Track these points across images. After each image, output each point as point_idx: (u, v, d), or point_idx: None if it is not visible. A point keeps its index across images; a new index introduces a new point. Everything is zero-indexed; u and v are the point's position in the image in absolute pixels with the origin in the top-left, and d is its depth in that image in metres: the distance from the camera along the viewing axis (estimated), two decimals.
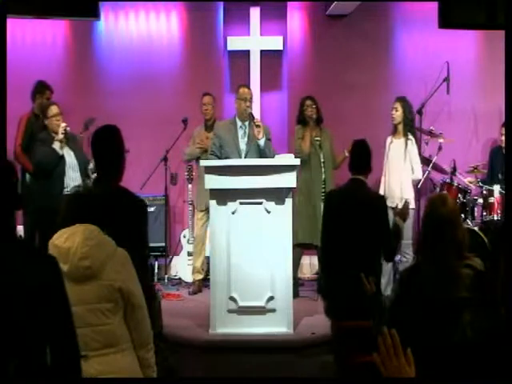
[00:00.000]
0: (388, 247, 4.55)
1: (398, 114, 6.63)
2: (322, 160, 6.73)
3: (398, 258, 6.46)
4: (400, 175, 6.52)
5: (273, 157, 5.88)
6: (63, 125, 6.08)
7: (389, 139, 6.72)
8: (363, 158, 4.66)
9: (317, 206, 6.63)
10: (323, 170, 6.72)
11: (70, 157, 6.12)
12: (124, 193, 3.56)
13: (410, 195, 6.37)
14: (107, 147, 3.54)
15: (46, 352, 2.16)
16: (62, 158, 6.07)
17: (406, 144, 6.56)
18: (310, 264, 7.67)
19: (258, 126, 5.92)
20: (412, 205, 6.43)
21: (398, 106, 6.64)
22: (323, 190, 6.66)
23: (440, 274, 2.91)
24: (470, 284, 2.80)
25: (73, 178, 6.10)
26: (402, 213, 4.62)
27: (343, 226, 4.49)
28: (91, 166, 6.10)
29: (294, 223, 6.46)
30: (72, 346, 2.22)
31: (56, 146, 6.06)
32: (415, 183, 6.72)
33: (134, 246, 3.33)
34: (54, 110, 6.14)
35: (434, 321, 2.77)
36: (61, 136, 6.06)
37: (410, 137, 6.62)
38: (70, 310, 2.23)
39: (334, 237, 4.55)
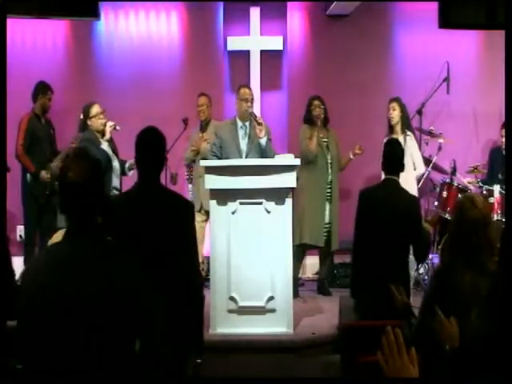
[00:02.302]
0: (421, 248, 4.57)
1: (396, 113, 6.64)
2: (330, 161, 6.69)
3: None
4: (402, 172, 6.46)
5: (273, 157, 5.88)
6: (111, 123, 5.81)
7: (385, 140, 6.67)
8: (395, 157, 4.64)
9: (323, 207, 6.63)
10: (330, 171, 6.69)
11: (114, 160, 5.84)
12: (172, 192, 3.58)
13: (414, 191, 6.33)
14: (155, 148, 3.58)
15: (133, 348, 2.20)
16: (110, 160, 5.74)
17: (405, 140, 6.55)
18: (311, 264, 7.66)
19: (259, 124, 5.90)
20: None
21: (396, 105, 6.65)
22: (329, 191, 6.67)
23: (479, 278, 2.92)
24: None
25: (114, 184, 5.78)
26: (432, 220, 4.66)
27: (377, 225, 4.50)
28: (128, 164, 5.84)
29: (299, 222, 6.51)
30: (160, 342, 2.26)
31: (104, 146, 5.74)
32: (419, 178, 6.72)
33: (187, 245, 3.34)
34: (96, 108, 5.86)
35: (470, 320, 2.77)
36: (109, 136, 5.78)
37: (409, 133, 6.64)
38: (160, 308, 2.28)
39: (367, 236, 4.56)
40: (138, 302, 2.18)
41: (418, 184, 6.76)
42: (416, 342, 1.91)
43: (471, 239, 3.00)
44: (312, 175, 6.62)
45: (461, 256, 3.03)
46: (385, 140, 4.98)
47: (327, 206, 6.66)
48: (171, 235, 3.27)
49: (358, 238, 4.69)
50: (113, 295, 2.13)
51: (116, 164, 5.84)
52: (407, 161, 6.50)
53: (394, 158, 4.65)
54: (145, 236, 3.19)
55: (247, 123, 6.16)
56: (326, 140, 6.74)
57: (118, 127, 5.84)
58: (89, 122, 5.82)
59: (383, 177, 4.82)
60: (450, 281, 3.01)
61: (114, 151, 5.92)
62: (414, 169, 6.67)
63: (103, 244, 2.25)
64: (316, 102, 6.77)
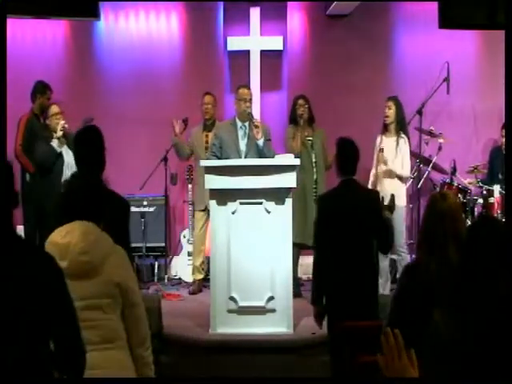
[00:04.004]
0: (384, 240, 4.53)
1: (391, 112, 6.53)
2: (314, 160, 6.66)
3: (393, 256, 6.46)
4: (391, 172, 6.44)
5: (272, 157, 5.88)
6: (62, 122, 6.28)
7: (379, 138, 6.61)
8: (350, 157, 4.46)
9: (308, 205, 6.57)
10: (315, 169, 6.66)
11: (68, 156, 6.16)
12: (109, 192, 3.61)
13: (400, 191, 6.30)
14: (94, 146, 3.63)
15: (48, 345, 2.20)
16: (60, 155, 6.23)
17: (398, 143, 6.49)
18: (310, 264, 7.65)
19: (256, 127, 5.93)
20: (403, 202, 6.41)
21: (392, 104, 6.55)
22: (315, 190, 6.62)
23: (442, 267, 2.92)
24: None
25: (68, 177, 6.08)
26: (389, 206, 4.63)
27: (340, 228, 4.43)
28: None
29: None
30: (74, 339, 2.27)
31: (54, 143, 6.23)
32: (404, 181, 6.68)
33: (123, 242, 3.34)
34: (54, 109, 6.37)
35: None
36: (59, 133, 6.23)
37: (402, 135, 6.57)
38: (72, 305, 2.28)
39: (330, 240, 4.48)
40: (51, 300, 2.19)
41: (417, 185, 6.73)
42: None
43: (437, 230, 3.01)
44: (297, 174, 6.58)
45: (427, 247, 3.04)
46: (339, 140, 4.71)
47: (314, 205, 6.63)
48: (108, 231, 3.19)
49: (321, 243, 4.52)
50: (23, 293, 2.13)
51: (70, 159, 6.03)
52: (398, 163, 6.49)
53: (348, 158, 4.47)
54: None
55: (246, 123, 6.17)
56: (310, 139, 6.70)
57: (66, 126, 6.29)
58: (47, 122, 6.39)
59: (340, 179, 4.54)
60: (417, 273, 3.01)
61: (70, 147, 6.19)
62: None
63: (15, 242, 2.24)
64: (300, 102, 6.76)
